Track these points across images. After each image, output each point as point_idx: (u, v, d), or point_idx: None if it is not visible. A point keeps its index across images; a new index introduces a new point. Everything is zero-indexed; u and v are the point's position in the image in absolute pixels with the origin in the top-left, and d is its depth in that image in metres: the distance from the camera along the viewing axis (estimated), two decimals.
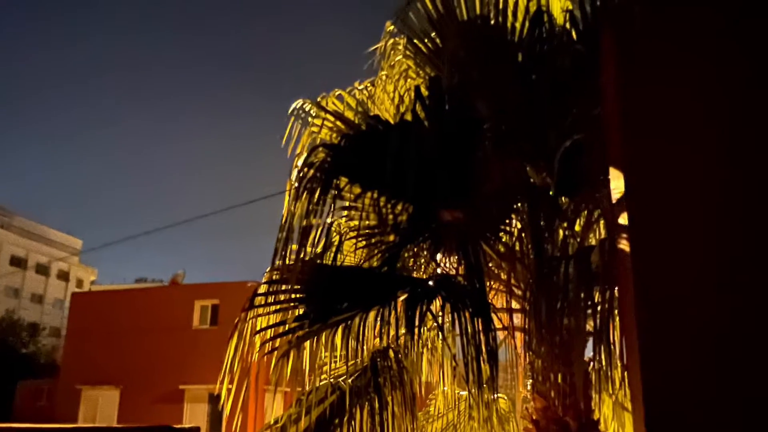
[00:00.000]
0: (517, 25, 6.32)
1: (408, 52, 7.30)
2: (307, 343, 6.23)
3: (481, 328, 5.30)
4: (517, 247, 6.42)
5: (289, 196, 5.94)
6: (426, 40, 6.96)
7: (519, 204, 6.39)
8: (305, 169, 5.67)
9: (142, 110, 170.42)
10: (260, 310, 6.24)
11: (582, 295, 5.34)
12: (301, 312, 6.05)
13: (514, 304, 6.42)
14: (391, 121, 6.71)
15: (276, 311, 6.18)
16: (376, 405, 6.47)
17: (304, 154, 6.52)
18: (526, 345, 6.04)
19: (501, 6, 6.41)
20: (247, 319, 6.27)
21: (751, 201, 3.39)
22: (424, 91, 6.03)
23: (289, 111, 7.61)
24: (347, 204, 6.78)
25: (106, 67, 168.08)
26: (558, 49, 6.28)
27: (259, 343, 6.22)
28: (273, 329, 6.13)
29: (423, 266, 6.72)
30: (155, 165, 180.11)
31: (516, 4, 6.34)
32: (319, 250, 6.11)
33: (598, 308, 5.14)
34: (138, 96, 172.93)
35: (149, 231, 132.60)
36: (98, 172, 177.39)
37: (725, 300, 3.34)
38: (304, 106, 7.61)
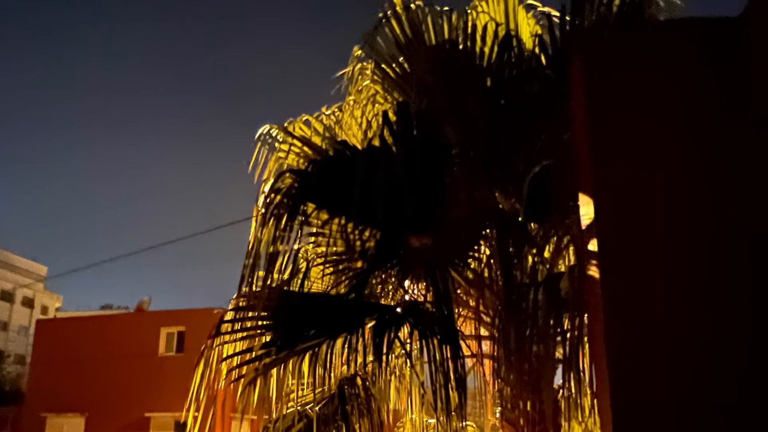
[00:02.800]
0: (486, 49, 6.32)
1: (376, 77, 7.27)
2: (274, 371, 6.17)
3: (449, 355, 5.27)
4: (486, 274, 6.38)
5: (256, 222, 5.88)
6: (394, 65, 6.95)
7: (488, 230, 6.36)
8: (272, 195, 5.62)
9: (108, 135, 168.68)
10: (227, 337, 6.19)
11: (551, 322, 5.32)
12: (268, 339, 6.00)
13: (483, 331, 6.38)
14: (359, 147, 6.68)
15: (243, 338, 6.13)
16: None
17: (271, 180, 6.47)
18: (495, 372, 6.01)
19: (470, 31, 6.42)
20: (214, 346, 6.21)
21: (722, 227, 3.38)
22: (392, 117, 6.00)
23: (256, 136, 7.56)
24: (314, 230, 6.73)
25: (72, 92, 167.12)
26: (527, 74, 6.29)
27: (226, 370, 6.16)
28: (240, 356, 6.09)
29: (391, 293, 6.68)
30: (121, 190, 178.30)
31: (485, 29, 6.34)
32: (286, 276, 6.07)
33: (568, 335, 5.12)
34: (104, 121, 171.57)
35: (115, 257, 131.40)
36: (63, 197, 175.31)
37: (696, 327, 3.31)
38: (271, 132, 7.57)
